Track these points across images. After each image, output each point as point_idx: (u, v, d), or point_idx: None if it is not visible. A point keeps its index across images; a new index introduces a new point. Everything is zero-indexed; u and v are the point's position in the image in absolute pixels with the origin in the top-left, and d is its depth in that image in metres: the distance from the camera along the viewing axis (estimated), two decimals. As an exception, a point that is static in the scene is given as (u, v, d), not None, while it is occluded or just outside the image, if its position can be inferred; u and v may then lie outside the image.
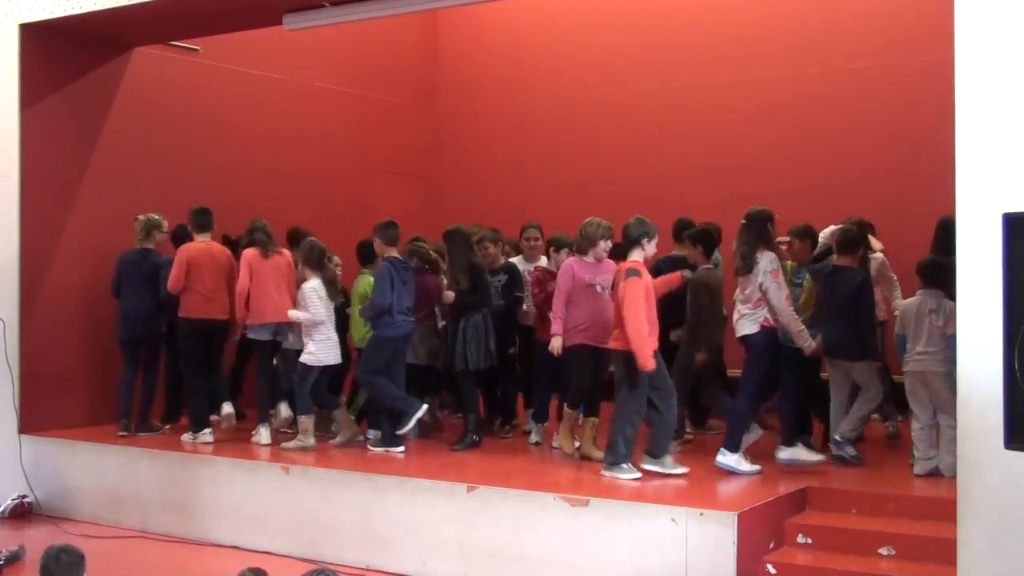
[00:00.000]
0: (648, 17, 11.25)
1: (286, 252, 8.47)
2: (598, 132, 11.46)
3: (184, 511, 7.74)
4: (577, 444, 7.45)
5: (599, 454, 7.04)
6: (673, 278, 7.38)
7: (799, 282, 7.55)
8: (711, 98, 10.77)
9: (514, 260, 8.63)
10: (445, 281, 8.18)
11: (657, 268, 7.69)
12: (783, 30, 10.49)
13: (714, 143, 10.73)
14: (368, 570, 6.74)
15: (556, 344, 7.23)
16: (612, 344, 6.80)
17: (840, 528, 6.13)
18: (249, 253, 8.24)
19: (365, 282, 8.22)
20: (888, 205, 9.22)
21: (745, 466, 6.76)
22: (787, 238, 7.59)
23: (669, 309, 7.43)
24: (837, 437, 7.10)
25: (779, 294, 6.80)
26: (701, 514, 5.72)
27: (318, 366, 7.91)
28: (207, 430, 8.32)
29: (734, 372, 8.81)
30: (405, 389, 7.90)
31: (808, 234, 7.66)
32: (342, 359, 8.22)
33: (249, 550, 7.22)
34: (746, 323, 6.87)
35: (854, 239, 7.30)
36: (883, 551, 5.87)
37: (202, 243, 8.47)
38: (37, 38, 8.80)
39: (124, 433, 8.58)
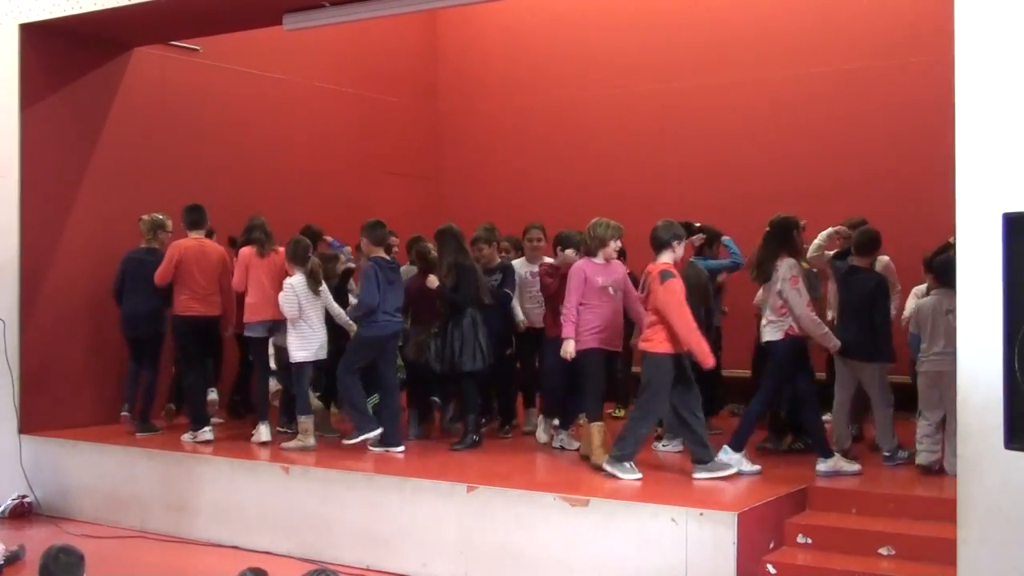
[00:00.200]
0: (648, 17, 11.25)
1: (282, 250, 8.47)
2: (598, 132, 11.45)
3: (184, 511, 7.74)
4: (577, 445, 7.43)
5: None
6: None
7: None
8: (711, 98, 10.77)
9: (516, 261, 8.55)
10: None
11: None
12: (783, 30, 10.49)
13: (714, 143, 10.73)
14: (368, 570, 6.74)
15: (569, 348, 7.00)
16: (642, 346, 6.71)
17: (840, 528, 6.13)
18: (245, 251, 8.27)
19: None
20: (888, 205, 9.22)
21: (746, 466, 6.75)
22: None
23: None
24: (886, 453, 7.12)
25: (800, 301, 6.76)
26: (701, 514, 5.72)
27: (309, 362, 7.90)
28: (207, 428, 8.34)
29: (734, 372, 8.85)
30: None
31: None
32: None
33: (249, 550, 7.21)
34: (771, 330, 6.90)
35: (872, 239, 7.29)
36: (883, 551, 5.87)
37: (194, 240, 8.52)
38: (37, 38, 8.79)
39: (126, 414, 8.87)
